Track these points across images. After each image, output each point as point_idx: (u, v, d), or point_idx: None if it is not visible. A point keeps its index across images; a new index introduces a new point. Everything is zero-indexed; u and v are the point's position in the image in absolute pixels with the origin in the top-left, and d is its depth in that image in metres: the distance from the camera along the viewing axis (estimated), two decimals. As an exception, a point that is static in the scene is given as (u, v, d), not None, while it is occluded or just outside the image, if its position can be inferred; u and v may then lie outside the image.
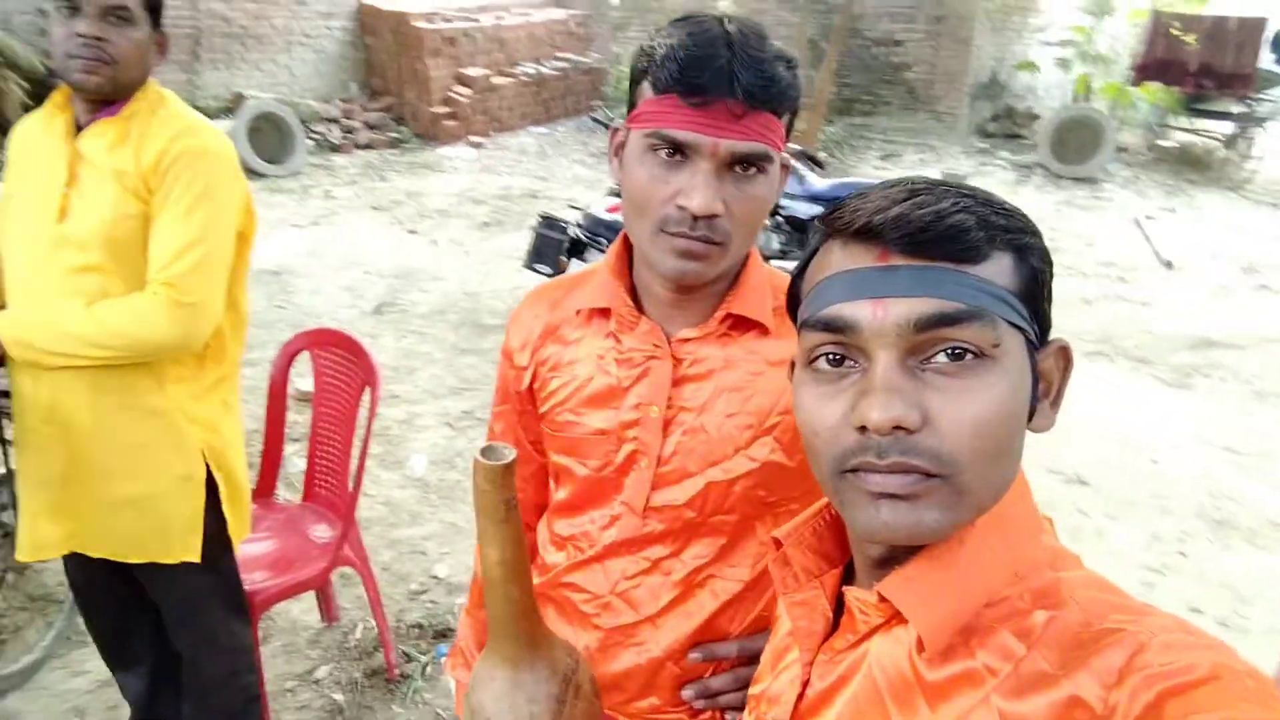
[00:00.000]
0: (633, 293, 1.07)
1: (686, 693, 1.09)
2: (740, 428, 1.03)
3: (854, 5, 9.35)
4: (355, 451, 2.40)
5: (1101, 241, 7.59)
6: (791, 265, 4.67)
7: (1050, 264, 0.66)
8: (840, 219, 0.64)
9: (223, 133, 1.70)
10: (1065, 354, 0.68)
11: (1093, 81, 10.46)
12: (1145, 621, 0.57)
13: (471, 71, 9.90)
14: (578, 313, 1.10)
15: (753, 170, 0.95)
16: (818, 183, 5.65)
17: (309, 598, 2.72)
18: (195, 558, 1.77)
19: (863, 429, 0.59)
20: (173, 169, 1.58)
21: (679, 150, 0.93)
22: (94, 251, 1.58)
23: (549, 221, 4.79)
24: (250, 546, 2.23)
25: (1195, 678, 0.52)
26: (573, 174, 9.13)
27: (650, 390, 1.04)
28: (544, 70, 10.75)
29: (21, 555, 1.76)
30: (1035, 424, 0.66)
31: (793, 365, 0.69)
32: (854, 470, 0.60)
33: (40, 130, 1.67)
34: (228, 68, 9.20)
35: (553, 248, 4.64)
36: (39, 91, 4.85)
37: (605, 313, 1.08)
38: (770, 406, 1.03)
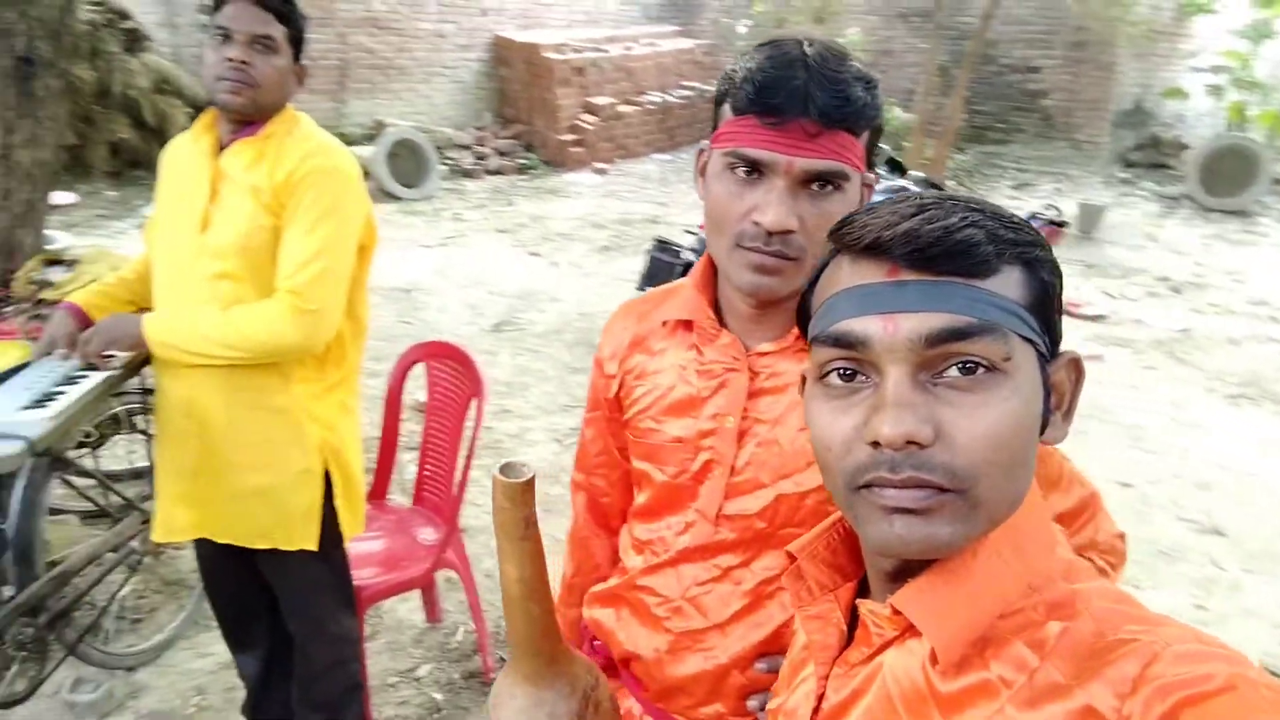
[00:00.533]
0: (716, 307, 1.10)
1: (751, 703, 1.10)
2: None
3: (987, 31, 9.12)
4: (462, 460, 2.50)
5: (1253, 278, 7.11)
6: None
7: (1060, 276, 0.66)
8: (849, 234, 0.64)
9: (349, 153, 1.83)
10: (1076, 366, 0.68)
11: (1248, 109, 9.85)
12: (1160, 631, 0.57)
13: (598, 100, 10.16)
14: (663, 324, 1.15)
15: (829, 188, 0.96)
16: (940, 211, 5.55)
17: (415, 598, 2.84)
18: (312, 546, 1.89)
19: (875, 444, 0.60)
20: (301, 185, 1.71)
21: (755, 168, 0.96)
22: (230, 260, 1.73)
23: (663, 245, 4.87)
24: (361, 544, 2.36)
25: (1211, 688, 0.51)
26: (693, 200, 9.19)
27: (727, 401, 1.06)
28: (669, 98, 10.93)
29: (155, 537, 1.92)
30: (1048, 436, 0.66)
31: (804, 380, 0.69)
32: (867, 485, 0.61)
33: (188, 149, 1.83)
34: (371, 97, 9.74)
35: (665, 270, 4.71)
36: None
37: (689, 325, 1.11)
38: None
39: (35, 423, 1.76)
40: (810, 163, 0.94)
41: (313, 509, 1.87)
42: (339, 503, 1.92)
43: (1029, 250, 0.63)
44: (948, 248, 0.59)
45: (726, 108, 1.00)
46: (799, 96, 0.93)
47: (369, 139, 9.20)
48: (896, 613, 0.63)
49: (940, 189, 5.91)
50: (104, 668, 2.50)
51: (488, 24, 10.65)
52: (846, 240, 0.64)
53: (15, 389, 1.84)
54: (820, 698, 0.70)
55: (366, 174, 8.60)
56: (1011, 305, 0.60)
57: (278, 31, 1.72)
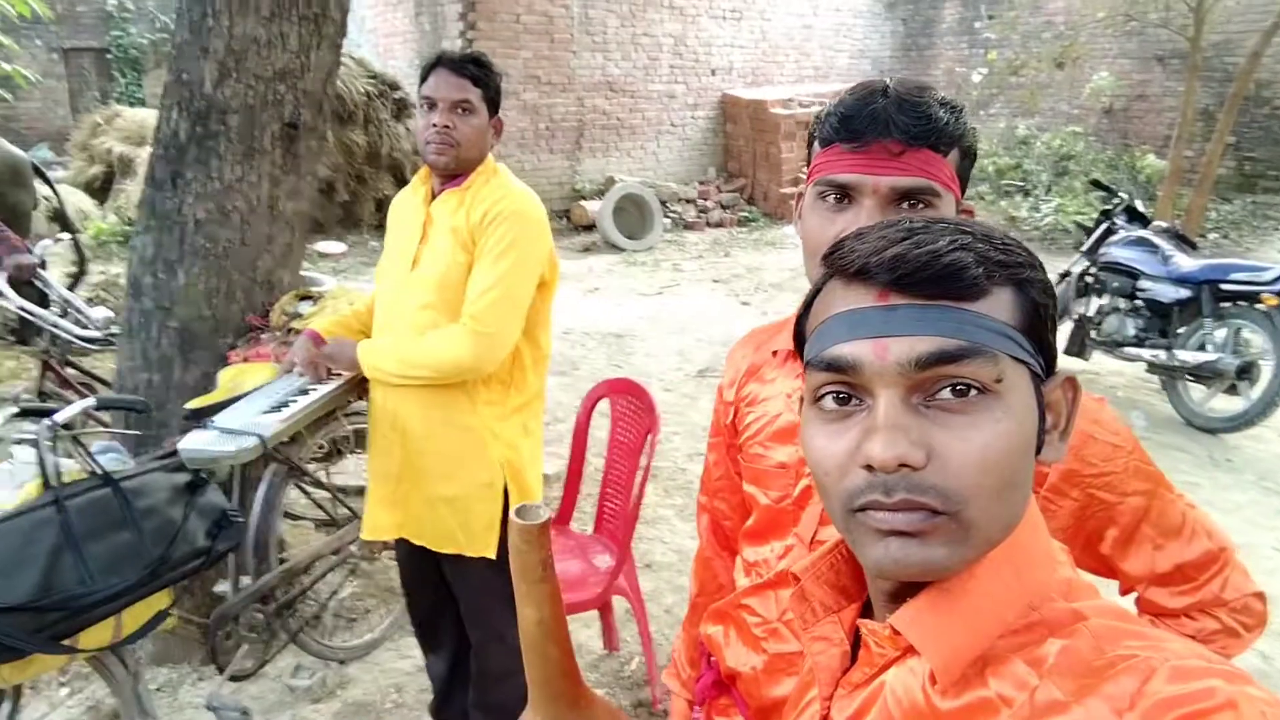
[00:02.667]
0: None
1: None
2: None
3: (1255, 70, 8.27)
4: (635, 491, 2.61)
5: None
6: (1148, 354, 4.22)
7: (1053, 297, 0.66)
8: (840, 259, 0.65)
9: (536, 199, 2.03)
10: (1072, 385, 0.68)
11: None
12: (1160, 647, 0.56)
13: (823, 153, 10.19)
14: (774, 353, 1.19)
15: (920, 205, 0.98)
16: (1185, 264, 5.08)
17: (596, 625, 2.97)
18: (491, 555, 2.06)
19: (869, 467, 0.60)
20: (491, 226, 1.92)
21: (844, 193, 0.99)
22: (431, 293, 1.96)
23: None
24: (542, 565, 2.52)
25: (1211, 704, 0.51)
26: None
27: None
28: (897, 151, 10.76)
29: (363, 535, 2.18)
30: (1044, 456, 0.66)
31: (801, 402, 0.70)
32: (863, 509, 0.61)
33: (409, 200, 2.11)
34: (604, 155, 10.33)
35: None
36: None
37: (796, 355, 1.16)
38: None
39: (269, 424, 2.08)
40: (895, 180, 0.97)
41: (493, 521, 2.05)
42: (517, 519, 2.08)
43: (1020, 271, 0.63)
44: (936, 271, 0.60)
45: (816, 145, 1.04)
46: (879, 119, 0.96)
47: (599, 194, 9.76)
48: (896, 633, 0.64)
49: (1186, 240, 5.42)
50: (320, 658, 2.80)
51: (716, 83, 11.03)
52: (838, 265, 0.65)
53: (259, 398, 2.19)
54: (825, 718, 0.71)
55: (593, 227, 9.13)
56: (1002, 327, 0.61)
57: (474, 95, 1.95)
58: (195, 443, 2.06)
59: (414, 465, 2.05)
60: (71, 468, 1.95)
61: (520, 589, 0.86)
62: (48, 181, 5.40)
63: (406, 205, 2.12)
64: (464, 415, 2.01)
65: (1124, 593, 1.09)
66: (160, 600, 2.01)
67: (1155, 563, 1.04)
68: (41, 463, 1.88)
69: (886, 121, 0.96)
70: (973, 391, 0.60)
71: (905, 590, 0.65)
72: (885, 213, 0.97)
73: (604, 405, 2.83)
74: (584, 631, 3.04)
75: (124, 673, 2.08)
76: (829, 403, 0.64)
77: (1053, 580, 0.64)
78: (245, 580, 2.49)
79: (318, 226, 8.14)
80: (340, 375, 2.28)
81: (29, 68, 7.84)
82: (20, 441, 1.93)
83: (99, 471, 1.95)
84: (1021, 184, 10.31)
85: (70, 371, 3.31)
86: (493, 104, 2.01)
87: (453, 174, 1.99)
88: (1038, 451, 0.65)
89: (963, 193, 1.03)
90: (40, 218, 5.58)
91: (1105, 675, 0.55)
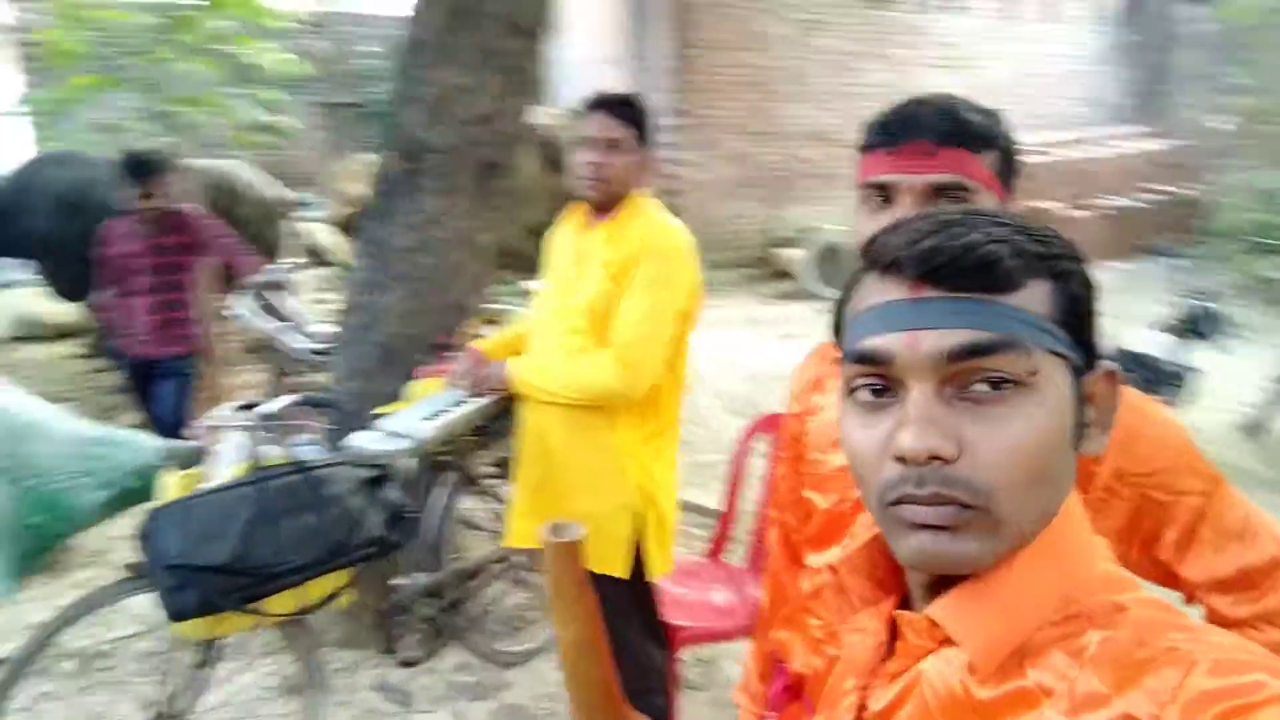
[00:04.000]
0: None
1: None
2: None
3: None
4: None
5: None
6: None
7: (1093, 289, 0.65)
8: (874, 252, 0.66)
9: (683, 233, 2.12)
10: (1113, 378, 0.66)
11: None
12: (1203, 640, 0.56)
13: (1046, 204, 9.69)
14: (836, 361, 1.22)
15: (955, 201, 1.04)
16: None
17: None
18: (623, 574, 2.15)
19: (902, 459, 0.60)
20: (639, 258, 2.04)
21: (885, 193, 1.07)
22: (580, 319, 2.10)
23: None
24: (688, 591, 2.57)
25: (1257, 699, 0.50)
26: (1151, 312, 8.30)
27: None
28: (1130, 203, 10.05)
29: (505, 542, 2.33)
30: (1085, 449, 0.65)
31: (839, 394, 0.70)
32: (897, 502, 0.61)
33: (564, 231, 2.27)
34: (807, 203, 10.33)
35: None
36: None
37: None
38: None
39: (424, 430, 2.29)
40: (929, 177, 1.04)
41: (625, 541, 2.13)
42: (650, 540, 2.15)
43: (1057, 263, 0.63)
44: (969, 264, 0.60)
45: (860, 155, 1.12)
46: (913, 122, 1.05)
47: (800, 242, 9.76)
48: (933, 623, 0.64)
49: None
50: (483, 659, 2.98)
51: (930, 132, 10.77)
52: (871, 257, 0.66)
53: (423, 407, 2.42)
54: (861, 708, 0.71)
55: (791, 275, 9.13)
56: (1036, 319, 0.60)
57: (625, 134, 2.08)
58: (361, 441, 2.30)
59: (555, 479, 2.18)
60: (274, 454, 2.23)
61: (556, 608, 0.85)
62: (296, 219, 6.15)
63: (562, 237, 2.28)
64: (603, 435, 2.12)
65: (1188, 602, 1.04)
66: (338, 579, 2.25)
67: (1215, 567, 1.00)
68: (249, 448, 2.17)
69: (919, 124, 1.05)
70: (1006, 384, 0.60)
71: (942, 582, 0.65)
72: (923, 207, 1.03)
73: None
74: (730, 664, 3.05)
75: (306, 643, 2.33)
76: (864, 394, 0.64)
77: (1093, 573, 0.63)
78: (420, 576, 2.71)
79: (529, 265, 8.67)
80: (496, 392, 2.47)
81: (297, 119, 8.95)
82: (236, 429, 2.24)
83: (295, 460, 2.22)
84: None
85: (299, 380, 3.75)
86: (644, 141, 2.13)
87: (604, 208, 2.13)
88: (1077, 445, 0.64)
89: (1007, 191, 1.09)
90: (299, 248, 6.34)
91: (1147, 667, 0.55)
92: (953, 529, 0.60)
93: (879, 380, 0.63)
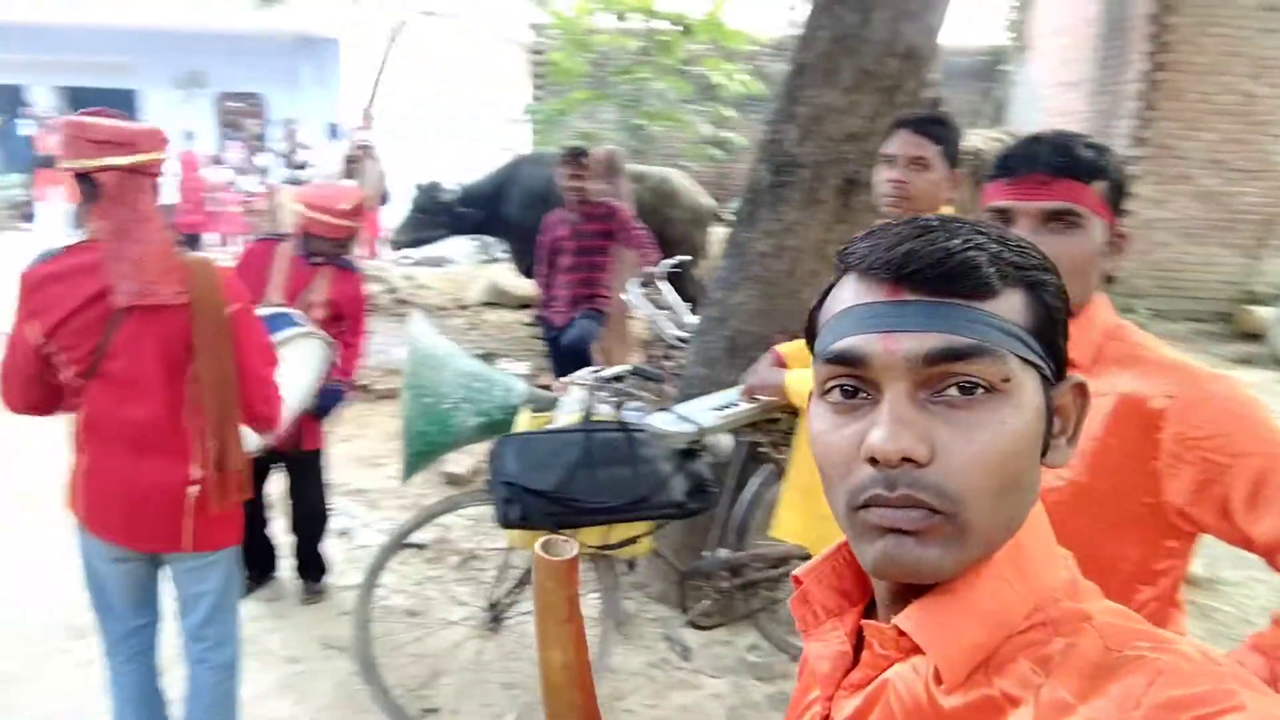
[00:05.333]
0: None
1: None
2: None
3: None
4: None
5: None
6: None
7: (1066, 301, 0.65)
8: (854, 254, 0.66)
9: None
10: (1081, 390, 0.67)
11: None
12: (1168, 648, 0.56)
13: None
14: None
15: (1066, 226, 1.19)
16: None
17: None
18: None
19: (874, 461, 0.60)
20: None
21: (1005, 218, 1.22)
22: None
23: None
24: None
25: (1216, 707, 0.51)
26: None
27: None
28: None
29: (771, 533, 2.47)
30: (1050, 459, 0.66)
31: (810, 395, 0.71)
32: (865, 505, 0.61)
33: None
34: (1294, 255, 8.74)
35: None
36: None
37: None
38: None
39: (709, 419, 2.52)
40: (1042, 204, 1.19)
41: None
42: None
43: (1032, 274, 0.63)
44: (948, 269, 0.60)
45: (985, 183, 1.25)
46: (1032, 156, 1.20)
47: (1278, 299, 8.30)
48: (901, 633, 0.63)
49: None
50: (774, 644, 3.14)
51: None
52: (851, 260, 0.66)
53: (719, 398, 2.66)
54: (825, 719, 0.70)
55: (1260, 336, 7.79)
56: (1012, 327, 0.61)
57: (931, 152, 2.10)
58: (655, 420, 2.58)
59: (820, 487, 2.27)
60: (606, 412, 2.62)
61: (546, 630, 0.81)
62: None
63: None
64: None
65: (1275, 567, 1.13)
66: (640, 528, 2.58)
67: None
68: (585, 402, 2.58)
69: (1037, 157, 1.20)
70: (979, 390, 0.60)
71: (909, 592, 0.64)
72: (1037, 233, 1.18)
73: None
74: None
75: (609, 579, 2.70)
76: (836, 395, 0.64)
77: (1058, 582, 0.64)
78: (722, 552, 2.96)
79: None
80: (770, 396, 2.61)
81: (743, 136, 9.67)
82: (581, 386, 2.67)
83: (621, 420, 2.59)
84: None
85: (666, 361, 4.21)
86: (951, 160, 2.13)
87: None
88: (1044, 455, 0.65)
89: (1116, 218, 1.23)
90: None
91: (1112, 675, 0.55)
92: (920, 534, 0.60)
93: (853, 381, 0.63)
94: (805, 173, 3.13)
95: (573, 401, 2.63)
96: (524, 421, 2.63)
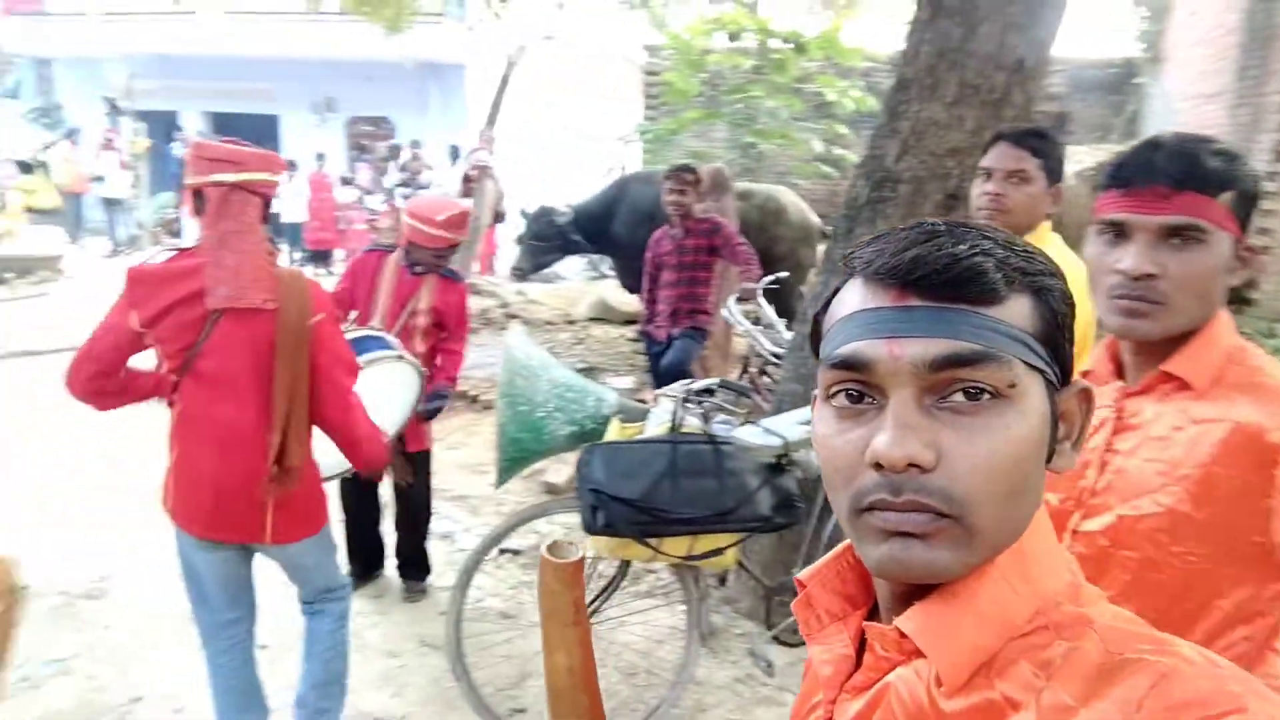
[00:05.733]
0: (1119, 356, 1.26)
1: None
2: (1154, 473, 1.14)
3: None
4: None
5: None
6: None
7: (1072, 306, 0.65)
8: (860, 259, 0.65)
9: (1080, 268, 2.01)
10: (1087, 395, 0.67)
11: None
12: (1170, 651, 0.56)
13: None
14: (1084, 374, 1.29)
15: (1188, 241, 1.11)
16: None
17: None
18: None
19: (878, 466, 0.60)
20: None
21: (1118, 231, 1.16)
22: None
23: None
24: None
25: (1218, 710, 0.51)
26: None
27: (1100, 437, 1.21)
28: None
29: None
30: (1055, 464, 0.66)
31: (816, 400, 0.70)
32: (870, 508, 0.61)
33: None
34: None
35: None
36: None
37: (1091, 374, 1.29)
38: (1184, 459, 1.12)
39: (795, 432, 2.51)
40: (1163, 219, 1.11)
41: None
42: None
43: (1039, 279, 0.63)
44: (955, 275, 0.60)
45: (1098, 192, 1.18)
46: (1149, 167, 1.12)
47: None
48: (902, 635, 0.63)
49: None
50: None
51: None
52: (857, 265, 0.66)
53: (805, 414, 2.63)
54: None
55: None
56: (1018, 333, 0.61)
57: (1031, 165, 2.03)
58: (742, 433, 2.58)
59: None
60: (694, 424, 2.65)
61: (551, 633, 0.82)
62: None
63: None
64: None
65: None
66: (725, 539, 2.58)
67: None
68: (673, 414, 2.61)
69: (1155, 167, 1.11)
70: (985, 396, 0.60)
71: (912, 594, 0.64)
72: (1155, 248, 1.13)
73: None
74: None
75: (694, 589, 2.71)
76: (842, 400, 0.64)
77: (1060, 585, 0.63)
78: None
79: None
80: None
81: (854, 153, 9.56)
82: (670, 398, 2.71)
83: (709, 433, 2.61)
84: None
85: (763, 377, 4.20)
86: (1052, 173, 2.07)
87: None
88: (1049, 460, 0.65)
89: (1244, 231, 1.14)
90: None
91: (1113, 679, 0.55)
92: (925, 537, 0.60)
93: (858, 386, 0.63)
94: (905, 188, 3.09)
95: (661, 413, 2.67)
96: (613, 431, 2.68)
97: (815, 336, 0.70)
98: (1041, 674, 0.58)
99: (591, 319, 7.93)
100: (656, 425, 2.65)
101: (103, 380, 2.16)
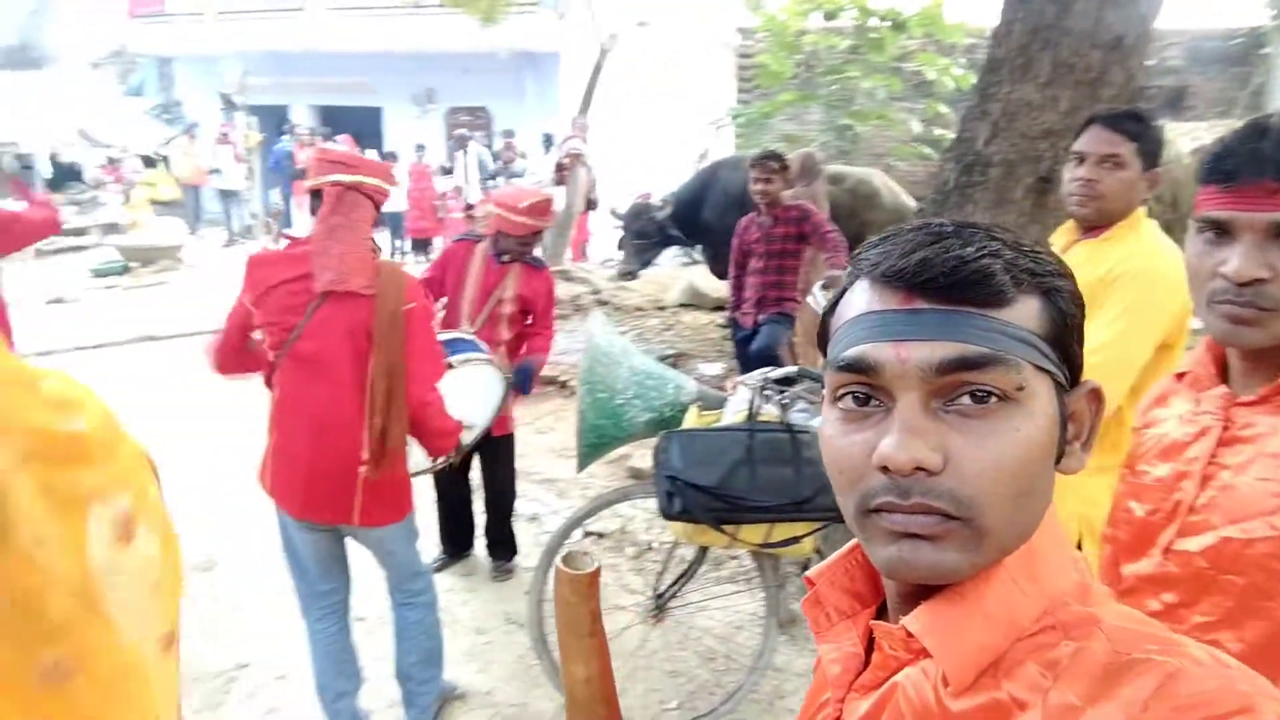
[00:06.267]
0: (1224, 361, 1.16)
1: None
2: (1270, 494, 1.04)
3: None
4: None
5: None
6: None
7: (1081, 307, 0.64)
8: (867, 261, 0.65)
9: (1176, 256, 1.92)
10: (1096, 396, 0.66)
11: None
12: (1177, 651, 0.56)
13: None
14: (1178, 376, 1.22)
15: None
16: None
17: None
18: None
19: (885, 469, 0.60)
20: (1115, 283, 1.92)
21: (1221, 229, 1.05)
22: None
23: None
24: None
25: (1226, 709, 0.52)
26: None
27: (1201, 448, 1.12)
28: None
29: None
30: (1065, 466, 0.65)
31: (823, 401, 0.70)
32: (877, 510, 0.61)
33: (1055, 244, 2.18)
34: None
35: None
36: None
37: (1193, 376, 1.20)
38: None
39: None
40: (1272, 216, 1.00)
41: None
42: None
43: (1047, 280, 0.63)
44: (962, 277, 0.60)
45: (1199, 185, 1.07)
46: (1255, 160, 1.00)
47: None
48: (909, 634, 0.63)
49: None
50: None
51: None
52: (864, 267, 0.65)
53: None
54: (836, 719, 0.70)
55: None
56: (1026, 335, 0.61)
57: (1126, 149, 1.94)
58: (819, 421, 2.56)
59: None
60: (772, 412, 2.64)
61: (568, 644, 0.82)
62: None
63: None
64: None
65: None
66: (802, 528, 2.58)
67: None
68: (750, 402, 2.62)
69: (1262, 162, 1.00)
70: (993, 399, 0.60)
71: (920, 593, 0.64)
72: (1263, 248, 1.02)
73: None
74: None
75: (772, 576, 2.72)
76: (848, 403, 0.64)
77: (1069, 585, 0.63)
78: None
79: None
80: None
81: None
82: (748, 386, 2.71)
83: (785, 421, 2.60)
84: None
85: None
86: (1149, 158, 1.98)
87: (1094, 226, 2.03)
88: (1059, 461, 0.65)
89: None
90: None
91: (1120, 679, 0.55)
92: (933, 538, 0.60)
93: (865, 389, 0.63)
94: (995, 172, 3.02)
95: (739, 401, 2.67)
96: (691, 418, 2.70)
97: (823, 337, 0.70)
98: (1048, 674, 0.58)
99: (681, 305, 7.95)
100: (734, 413, 2.66)
101: (236, 360, 2.42)
